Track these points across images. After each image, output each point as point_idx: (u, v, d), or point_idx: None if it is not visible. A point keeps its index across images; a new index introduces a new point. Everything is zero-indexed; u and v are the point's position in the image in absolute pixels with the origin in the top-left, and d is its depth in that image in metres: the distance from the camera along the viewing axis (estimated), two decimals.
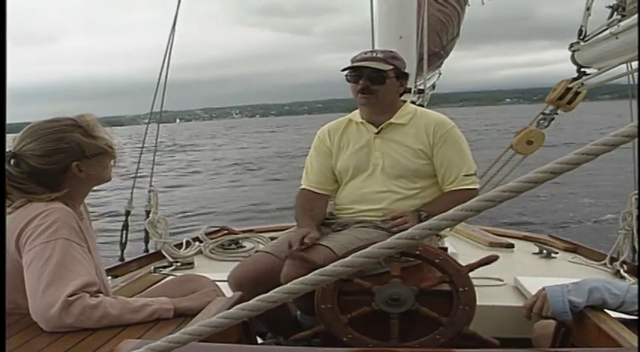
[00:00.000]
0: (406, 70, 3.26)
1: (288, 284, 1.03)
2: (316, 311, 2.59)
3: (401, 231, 2.69)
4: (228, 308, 1.07)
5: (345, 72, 3.13)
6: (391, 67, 3.09)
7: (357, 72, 3.08)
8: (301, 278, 1.02)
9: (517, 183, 0.89)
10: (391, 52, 3.29)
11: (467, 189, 3.08)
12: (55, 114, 2.28)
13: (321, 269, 1.01)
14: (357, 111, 3.27)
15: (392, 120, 3.14)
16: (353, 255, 0.99)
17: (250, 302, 1.02)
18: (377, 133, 3.15)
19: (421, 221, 2.86)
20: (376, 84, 3.06)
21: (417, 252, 2.67)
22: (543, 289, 2.32)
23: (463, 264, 2.68)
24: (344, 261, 0.98)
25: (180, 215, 14.76)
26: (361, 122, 3.21)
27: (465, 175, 3.08)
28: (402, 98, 3.28)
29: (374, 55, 3.14)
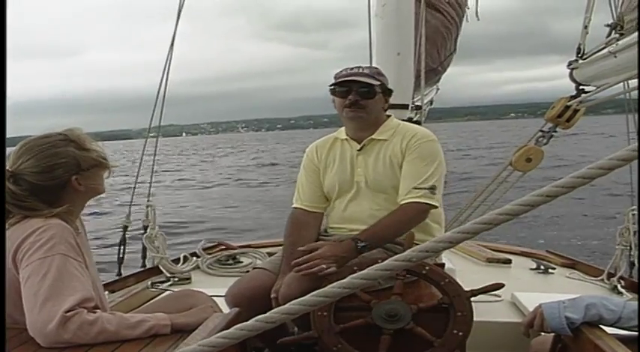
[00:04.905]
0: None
1: (287, 305, 1.04)
2: (311, 317, 2.59)
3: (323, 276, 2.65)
4: (226, 325, 1.07)
5: (331, 88, 3.13)
6: (378, 82, 3.09)
7: (345, 87, 3.07)
8: (300, 299, 1.03)
9: (513, 205, 0.90)
10: (375, 68, 3.31)
11: (413, 202, 2.92)
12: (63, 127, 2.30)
13: (319, 290, 1.02)
14: (343, 128, 3.26)
15: (374, 136, 3.12)
16: (351, 276, 1.00)
17: (249, 322, 1.03)
18: (359, 150, 3.14)
19: (358, 251, 2.80)
20: (365, 98, 3.05)
21: (424, 272, 2.67)
22: (540, 306, 2.32)
23: (461, 281, 2.68)
24: (342, 283, 0.99)
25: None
26: (345, 139, 3.21)
27: (416, 188, 2.92)
28: (387, 113, 3.26)
29: (360, 70, 3.12)
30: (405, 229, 2.91)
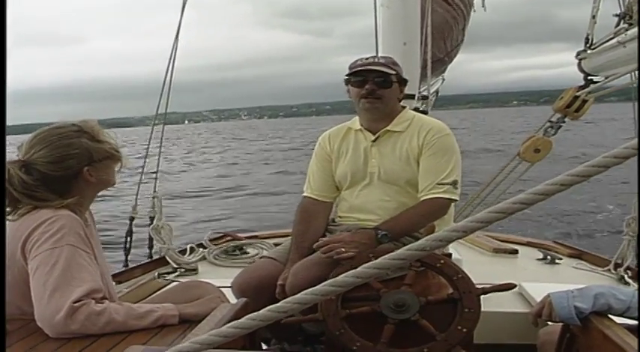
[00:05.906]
0: (408, 76, 3.24)
1: (299, 295, 1.03)
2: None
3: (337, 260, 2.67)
4: (234, 316, 1.07)
5: (347, 78, 3.11)
6: (394, 72, 3.07)
7: (361, 76, 3.05)
8: (311, 288, 1.02)
9: (528, 194, 0.89)
10: (390, 58, 3.27)
11: (437, 197, 2.94)
12: (69, 116, 2.30)
13: (331, 280, 1.02)
14: (357, 118, 3.23)
15: (389, 127, 3.10)
16: (362, 266, 0.99)
17: (260, 312, 1.03)
18: (374, 141, 3.11)
19: (378, 240, 2.83)
20: (382, 88, 3.02)
21: (438, 265, 2.66)
22: (548, 295, 2.31)
23: (468, 271, 2.67)
24: (354, 272, 0.99)
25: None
26: (359, 129, 3.18)
27: (439, 183, 2.94)
28: (401, 104, 3.24)
29: (376, 60, 3.11)
30: (425, 223, 2.93)
